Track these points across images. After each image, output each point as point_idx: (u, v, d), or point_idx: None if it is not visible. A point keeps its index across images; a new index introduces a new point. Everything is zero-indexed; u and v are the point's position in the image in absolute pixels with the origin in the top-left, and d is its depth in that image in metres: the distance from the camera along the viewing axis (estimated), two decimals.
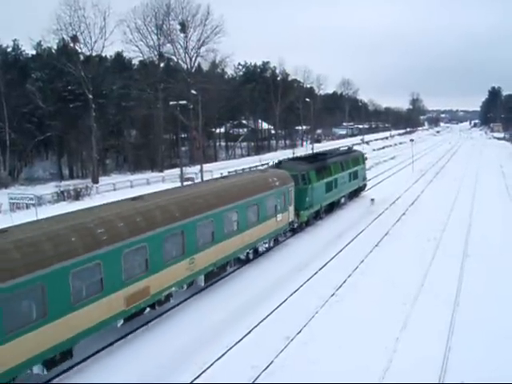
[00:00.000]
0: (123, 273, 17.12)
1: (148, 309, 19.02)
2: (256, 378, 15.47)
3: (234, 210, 24.13)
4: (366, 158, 53.98)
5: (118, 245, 16.85)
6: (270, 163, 56.55)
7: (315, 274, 25.15)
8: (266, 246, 28.41)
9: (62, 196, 50.57)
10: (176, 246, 20.02)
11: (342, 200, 42.11)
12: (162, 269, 19.00)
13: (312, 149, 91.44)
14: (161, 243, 18.91)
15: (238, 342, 17.90)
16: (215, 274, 23.27)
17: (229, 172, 50.09)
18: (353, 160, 45.20)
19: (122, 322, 17.70)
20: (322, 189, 36.02)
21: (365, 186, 49.54)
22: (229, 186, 25.76)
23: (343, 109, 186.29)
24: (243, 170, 59.89)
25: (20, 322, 13.71)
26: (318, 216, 36.42)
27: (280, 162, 36.69)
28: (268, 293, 22.38)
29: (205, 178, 47.94)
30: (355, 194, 46.26)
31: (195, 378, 15.53)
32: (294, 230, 32.90)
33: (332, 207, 39.46)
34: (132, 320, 18.29)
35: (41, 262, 14.35)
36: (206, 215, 21.72)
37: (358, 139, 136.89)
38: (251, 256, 26.82)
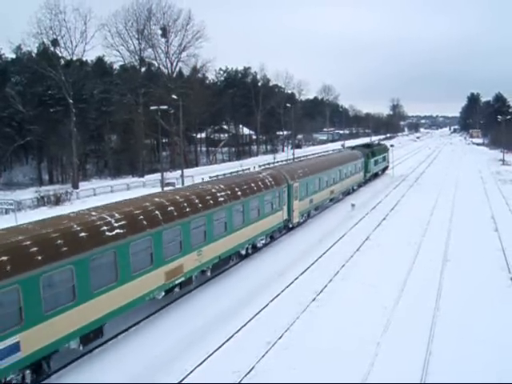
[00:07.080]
0: (311, 189, 37.73)
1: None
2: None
3: (348, 166, 49.45)
4: (388, 149, 74.94)
5: (305, 179, 36.63)
6: (255, 168, 63.28)
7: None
8: (355, 187, 54.19)
9: (41, 201, 50.08)
10: (324, 182, 40.93)
11: (379, 172, 68.06)
12: (319, 192, 40.24)
13: (293, 154, 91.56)
14: (321, 178, 40.56)
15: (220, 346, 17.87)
16: (343, 194, 49.34)
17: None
18: (383, 149, 71.82)
19: (306, 215, 38.36)
20: (373, 163, 61.64)
21: (388, 166, 73.58)
22: (341, 156, 53.51)
23: (324, 114, 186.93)
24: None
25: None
26: (370, 179, 61.14)
27: (354, 147, 66.01)
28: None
29: (186, 184, 47.85)
30: (383, 171, 71.61)
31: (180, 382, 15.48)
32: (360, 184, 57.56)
33: (375, 176, 64.84)
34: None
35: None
36: (334, 170, 44.75)
37: (338, 145, 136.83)
38: (350, 191, 52.11)
